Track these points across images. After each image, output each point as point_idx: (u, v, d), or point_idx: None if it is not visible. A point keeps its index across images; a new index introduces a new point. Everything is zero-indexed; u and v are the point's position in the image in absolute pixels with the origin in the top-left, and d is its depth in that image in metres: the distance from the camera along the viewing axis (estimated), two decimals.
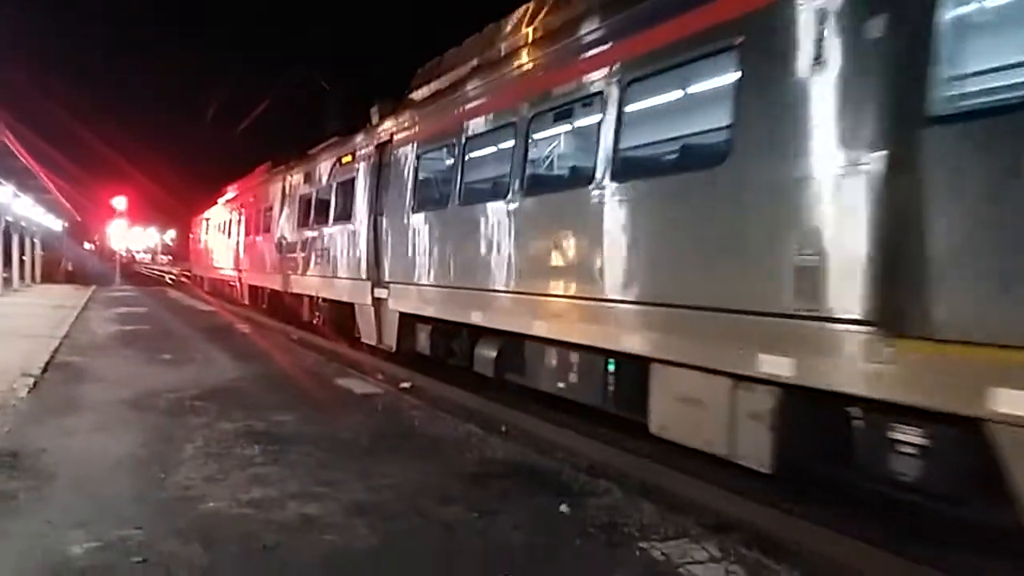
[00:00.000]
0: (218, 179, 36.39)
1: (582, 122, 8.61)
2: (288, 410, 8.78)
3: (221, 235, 30.57)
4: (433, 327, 11.13)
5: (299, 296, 18.25)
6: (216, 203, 33.09)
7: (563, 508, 5.59)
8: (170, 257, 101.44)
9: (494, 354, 9.42)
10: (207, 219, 35.46)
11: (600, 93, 7.38)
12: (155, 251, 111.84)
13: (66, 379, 10.69)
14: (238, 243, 26.37)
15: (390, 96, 13.94)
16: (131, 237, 76.06)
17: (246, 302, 25.10)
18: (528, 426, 8.64)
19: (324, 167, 16.52)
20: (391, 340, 12.30)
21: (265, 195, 22.32)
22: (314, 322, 17.40)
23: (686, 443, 6.33)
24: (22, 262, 37.59)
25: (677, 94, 7.42)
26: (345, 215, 14.61)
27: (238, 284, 26.46)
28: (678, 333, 6.26)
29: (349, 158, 14.76)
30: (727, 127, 5.92)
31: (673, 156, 7.26)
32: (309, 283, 17.10)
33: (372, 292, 12.95)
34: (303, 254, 17.53)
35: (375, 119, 14.04)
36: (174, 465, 6.50)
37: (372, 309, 13.03)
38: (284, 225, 19.52)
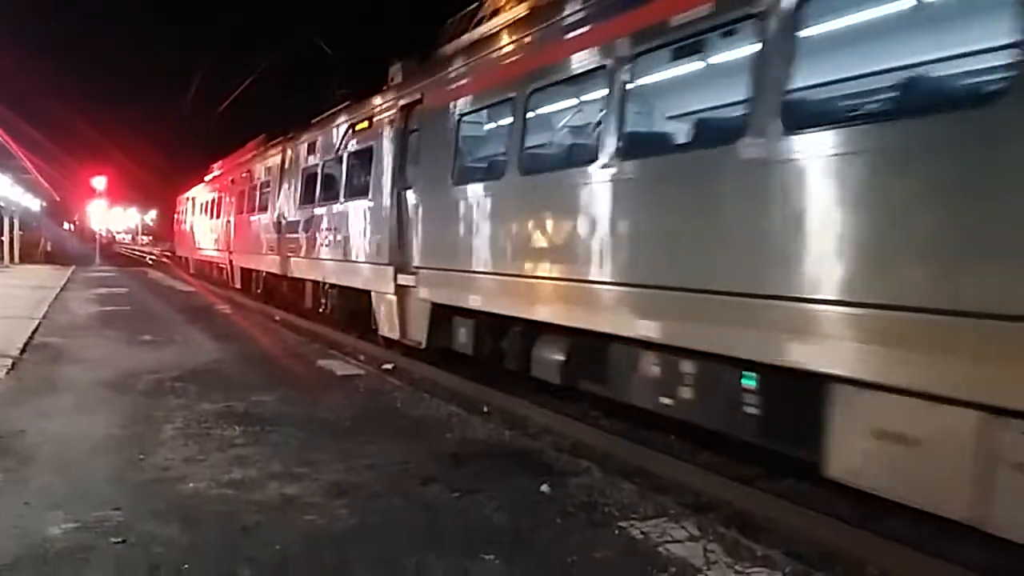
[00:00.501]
0: (201, 158, 35.79)
1: (736, 53, 6.17)
2: (269, 391, 8.76)
3: (208, 214, 29.01)
4: (478, 321, 9.35)
5: (301, 281, 16.65)
6: (203, 181, 31.90)
7: (544, 488, 5.61)
8: (151, 237, 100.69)
9: (562, 357, 7.85)
10: (192, 198, 33.93)
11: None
12: (135, 232, 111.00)
13: (45, 360, 10.60)
14: (228, 222, 24.69)
15: (412, 54, 12.27)
16: (111, 217, 75.46)
17: (237, 286, 23.62)
18: (510, 406, 8.66)
19: (333, 136, 14.55)
20: (419, 335, 10.59)
21: (260, 170, 20.69)
22: (320, 311, 15.62)
23: (897, 497, 4.65)
24: (0, 242, 37.20)
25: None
26: (360, 190, 12.83)
27: (228, 266, 24.93)
28: (889, 345, 4.52)
29: (365, 124, 12.90)
30: None
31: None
32: (315, 267, 15.32)
33: (395, 279, 11.19)
34: (307, 234, 15.74)
35: (397, 78, 12.38)
36: (153, 446, 6.47)
37: (394, 298, 11.25)
38: (284, 203, 17.74)
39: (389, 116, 11.87)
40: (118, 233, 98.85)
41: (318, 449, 6.49)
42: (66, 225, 68.50)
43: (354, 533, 4.75)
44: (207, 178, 30.99)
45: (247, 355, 11.57)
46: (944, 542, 4.90)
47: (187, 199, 35.74)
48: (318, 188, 15.31)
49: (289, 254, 17.03)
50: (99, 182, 46.32)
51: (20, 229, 43.71)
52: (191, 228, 34.14)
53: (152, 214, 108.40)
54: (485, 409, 8.56)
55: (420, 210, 10.63)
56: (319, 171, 15.36)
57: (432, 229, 10.34)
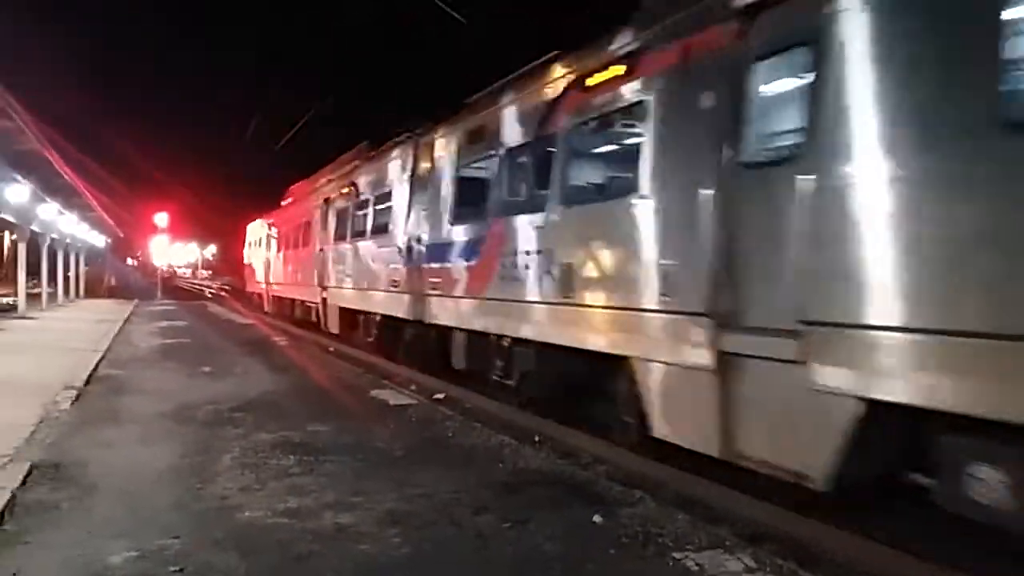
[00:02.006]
0: (262, 192, 36.68)
1: None
2: (323, 421, 8.87)
3: (289, 244, 25.21)
4: None
5: (448, 331, 11.88)
6: (279, 206, 28.93)
7: (596, 518, 5.57)
8: (210, 272, 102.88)
9: None
10: (268, 225, 29.90)
11: None
12: (196, 266, 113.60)
13: (108, 392, 10.90)
14: (320, 252, 19.96)
15: None
16: (172, 252, 77.38)
17: (332, 329, 18.92)
18: (562, 436, 8.61)
19: (529, 111, 9.62)
20: (815, 463, 5.34)
21: (368, 183, 16.24)
22: (501, 379, 10.31)
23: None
24: (67, 278, 38.40)
25: None
26: (625, 185, 7.68)
27: (319, 306, 20.12)
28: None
29: (619, 70, 7.62)
30: None
31: None
32: (486, 313, 10.32)
33: (713, 341, 6.17)
34: (471, 263, 10.84)
35: None
36: (212, 475, 6.60)
37: (711, 378, 6.19)
38: (417, 221, 13.03)
39: (687, 64, 6.71)
40: (179, 268, 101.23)
41: (371, 478, 6.55)
42: (129, 260, 70.46)
43: (407, 562, 4.77)
44: (285, 203, 28.09)
45: (302, 386, 11.74)
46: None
47: (259, 228, 32.06)
48: (497, 193, 10.34)
49: (429, 291, 12.24)
50: (161, 218, 47.73)
51: (85, 264, 45.11)
52: (266, 261, 30.12)
53: (212, 248, 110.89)
54: (536, 439, 8.53)
55: (832, 198, 5.13)
56: (499, 168, 10.31)
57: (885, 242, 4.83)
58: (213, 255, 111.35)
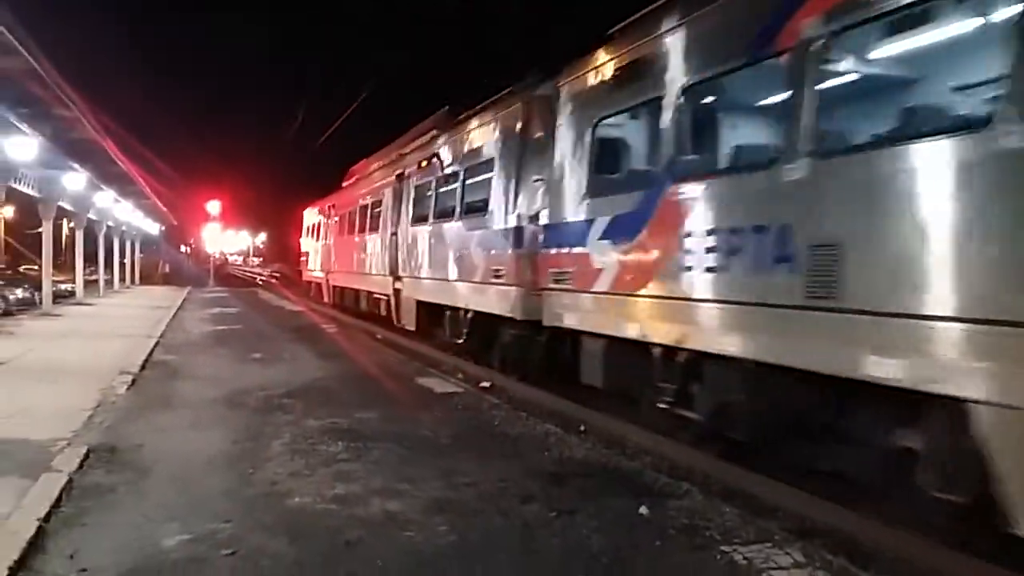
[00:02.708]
0: (314, 179, 36.65)
1: None
2: (370, 408, 8.96)
3: (352, 228, 22.39)
4: None
5: (586, 340, 9.21)
6: (341, 187, 26.10)
7: (643, 510, 5.54)
8: (261, 259, 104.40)
9: None
10: (329, 208, 26.92)
11: None
12: (247, 254, 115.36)
13: (162, 377, 11.13)
14: (394, 238, 17.24)
15: None
16: (224, 240, 78.66)
17: (409, 327, 16.23)
18: (607, 426, 8.58)
19: (723, 28, 7.01)
20: None
21: (456, 154, 13.68)
22: (714, 425, 7.32)
23: None
24: (122, 264, 39.30)
25: None
26: (972, 113, 5.32)
27: (391, 299, 17.45)
28: None
29: None
30: None
31: None
32: (670, 317, 7.46)
33: None
34: (623, 248, 8.15)
35: None
36: (262, 461, 6.71)
37: None
38: (532, 197, 10.42)
39: None
40: (230, 255, 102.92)
41: (418, 466, 6.59)
42: (182, 248, 71.83)
43: (453, 550, 4.79)
44: (347, 183, 25.32)
45: (350, 373, 11.86)
46: None
47: (318, 212, 29.18)
48: (672, 151, 7.46)
49: (551, 284, 9.70)
50: (213, 206, 48.57)
51: (140, 252, 46.11)
52: (325, 248, 27.29)
53: (262, 237, 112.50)
54: (582, 428, 8.51)
55: None
56: (674, 114, 7.42)
57: None
58: (263, 243, 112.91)
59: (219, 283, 46.50)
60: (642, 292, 7.82)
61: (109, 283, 34.22)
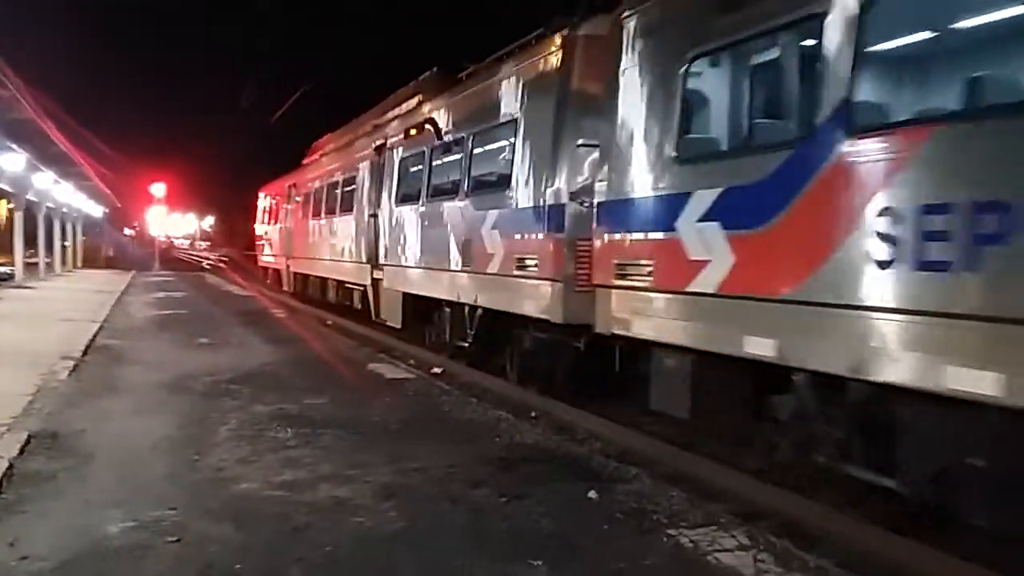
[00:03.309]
0: (263, 164, 35.83)
1: None
2: (320, 394, 8.89)
3: (317, 210, 20.27)
4: None
5: (661, 355, 7.20)
6: (302, 165, 24.06)
7: (591, 494, 5.59)
8: (209, 243, 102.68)
9: None
10: (289, 188, 24.28)
11: None
12: (194, 237, 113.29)
13: (105, 362, 10.91)
14: (374, 220, 14.95)
15: None
16: (170, 223, 77.11)
17: (392, 323, 14.06)
18: (558, 412, 8.64)
19: None
20: None
21: (459, 119, 11.52)
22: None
23: None
24: (64, 247, 38.32)
25: None
26: None
27: (368, 291, 15.46)
28: None
29: None
30: None
31: None
32: (849, 332, 5.08)
33: None
34: (743, 233, 6.04)
35: None
36: (208, 447, 6.62)
37: None
38: (577, 168, 8.61)
39: None
40: (176, 239, 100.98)
41: (368, 452, 6.56)
42: (126, 231, 70.31)
43: (402, 536, 4.78)
44: (309, 160, 23.27)
45: (299, 358, 11.74)
46: (1003, 555, 4.76)
47: (277, 193, 26.68)
48: (834, 92, 5.26)
49: (612, 281, 7.59)
50: (158, 188, 47.47)
51: (83, 235, 45.02)
52: (285, 231, 24.92)
53: (210, 220, 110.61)
54: (533, 415, 8.55)
55: None
56: (847, 36, 5.15)
57: None
58: (211, 226, 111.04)
59: (165, 267, 45.60)
60: (786, 295, 5.53)
61: (50, 266, 33.33)
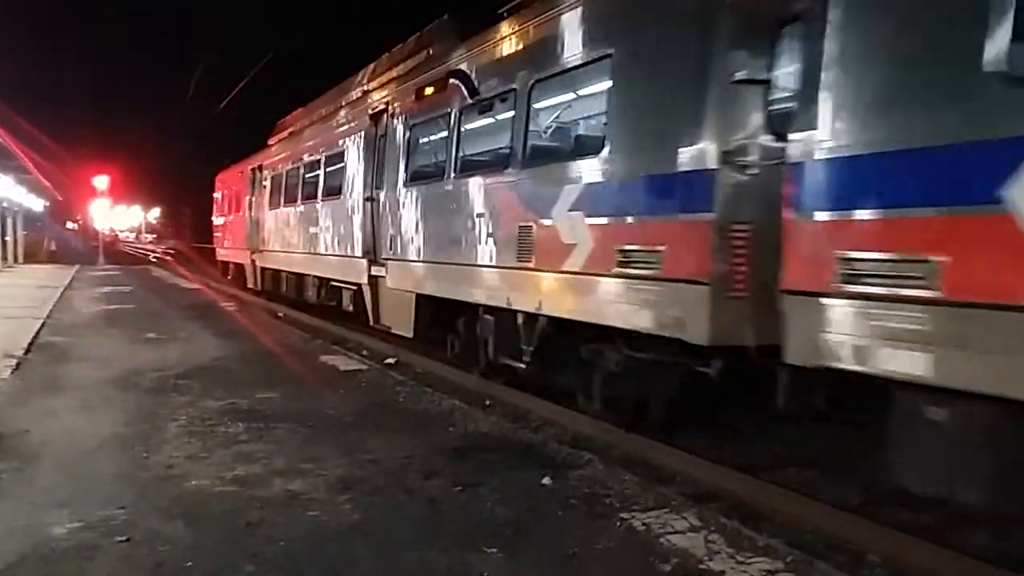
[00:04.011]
0: (212, 152, 34.78)
1: None
2: (272, 388, 8.79)
3: (292, 195, 17.56)
4: None
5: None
6: (268, 146, 21.35)
7: (545, 480, 5.64)
8: (155, 236, 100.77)
9: None
10: (255, 171, 21.34)
11: None
12: (139, 230, 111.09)
13: (49, 359, 10.65)
14: (370, 205, 12.28)
15: None
16: (114, 216, 75.49)
17: (400, 330, 11.48)
18: (512, 400, 8.67)
19: None
20: None
21: (500, 70, 8.84)
22: None
23: None
24: (4, 242, 37.28)
25: None
26: None
27: (365, 291, 12.72)
28: None
29: None
30: None
31: None
32: None
33: None
34: None
35: None
36: (158, 444, 6.51)
37: None
38: (743, 108, 5.79)
39: None
40: (121, 232, 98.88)
41: (321, 445, 6.53)
42: (69, 225, 68.62)
43: (358, 528, 4.77)
44: (276, 139, 20.77)
45: (250, 352, 11.60)
46: (946, 528, 4.92)
47: (240, 177, 23.37)
48: None
49: (840, 285, 4.74)
50: (101, 181, 46.40)
51: (24, 229, 43.83)
52: (248, 221, 21.84)
53: (155, 212, 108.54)
54: (487, 403, 8.58)
55: None
56: None
57: None
58: (157, 219, 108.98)
59: (110, 261, 44.62)
60: None
61: None
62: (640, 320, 6.36)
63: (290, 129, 19.73)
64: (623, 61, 6.76)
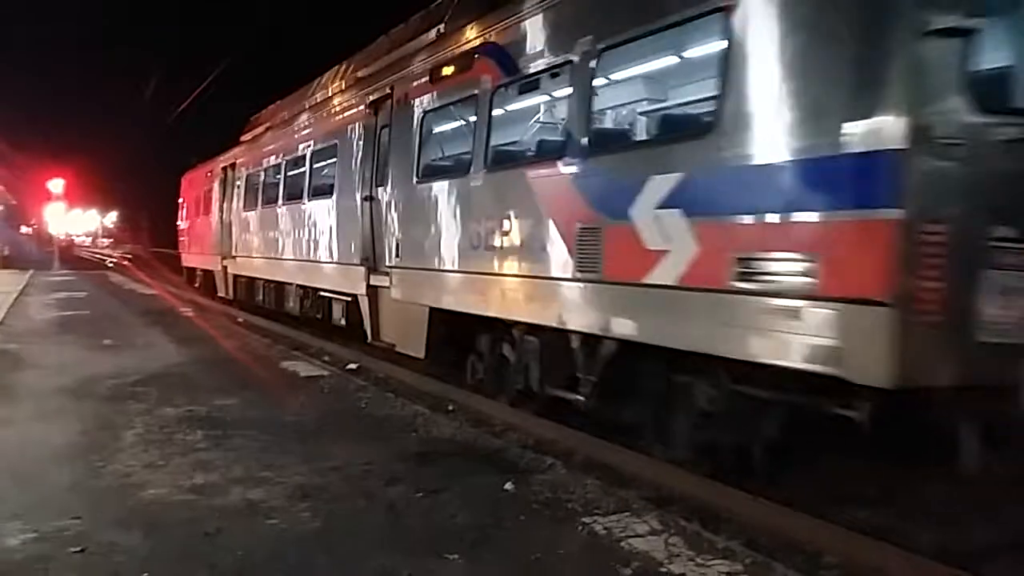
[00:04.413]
0: (171, 155, 34.09)
1: None
2: (232, 394, 8.69)
3: (270, 195, 16.38)
4: None
5: None
6: (240, 142, 20.00)
7: (508, 486, 5.64)
8: (112, 240, 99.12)
9: None
10: (227, 169, 20.00)
11: None
12: (95, 234, 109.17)
13: (2, 367, 10.42)
14: (370, 204, 11.14)
15: None
16: (70, 220, 74.12)
17: (412, 351, 10.16)
18: (475, 404, 8.67)
19: None
20: None
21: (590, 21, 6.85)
22: None
23: None
24: None
25: None
26: None
27: (361, 303, 11.54)
28: None
29: None
30: None
31: None
32: None
33: None
34: None
35: None
36: (113, 453, 6.40)
37: None
38: None
39: None
40: (77, 236, 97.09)
41: (281, 452, 6.46)
42: (24, 229, 67.25)
43: (318, 536, 4.74)
44: (250, 135, 19.39)
45: (210, 358, 11.45)
46: (900, 530, 5.02)
47: (210, 177, 21.92)
48: None
49: None
50: (56, 185, 45.52)
51: None
52: (219, 224, 20.39)
53: (112, 216, 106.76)
54: (450, 408, 8.56)
55: None
56: None
57: None
58: (114, 223, 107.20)
59: (65, 266, 43.77)
60: None
61: None
62: (767, 350, 5.01)
63: (266, 124, 18.25)
64: (752, 10, 5.27)
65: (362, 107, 11.70)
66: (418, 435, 7.19)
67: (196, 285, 24.35)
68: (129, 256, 54.44)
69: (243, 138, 19.81)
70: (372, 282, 11.05)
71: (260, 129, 18.69)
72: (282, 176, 15.46)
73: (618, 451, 6.82)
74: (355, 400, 8.65)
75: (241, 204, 18.49)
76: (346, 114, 12.55)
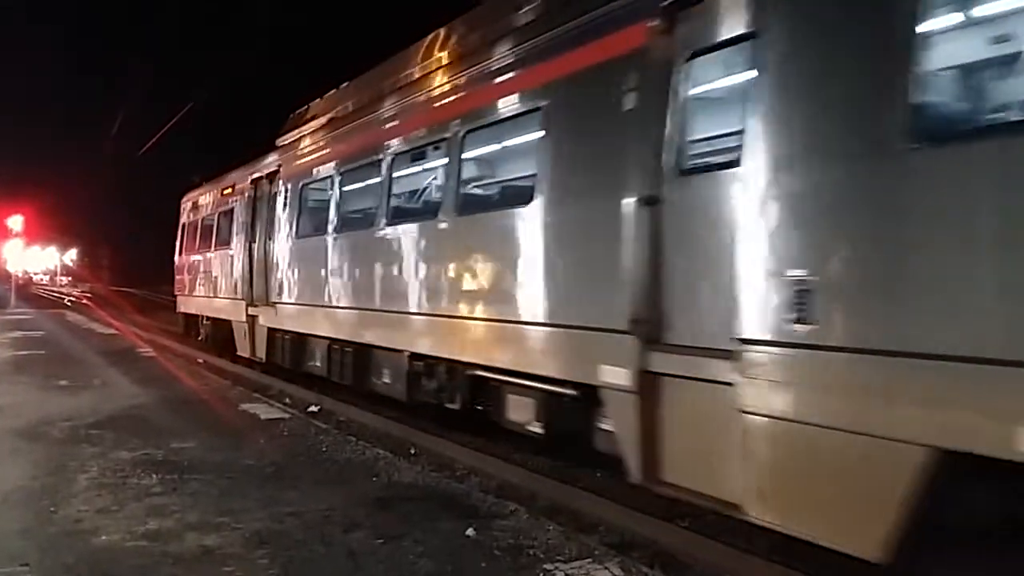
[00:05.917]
0: (135, 193, 33.73)
1: None
2: (189, 437, 8.53)
3: (311, 222, 12.57)
4: None
5: None
6: (287, 142, 13.85)
7: (469, 532, 5.58)
8: (70, 278, 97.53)
9: None
10: (260, 181, 15.04)
11: None
12: (54, 272, 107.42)
13: None
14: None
15: None
16: (29, 258, 72.89)
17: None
18: (438, 448, 8.61)
19: None
20: None
21: None
22: None
23: None
24: None
25: None
26: None
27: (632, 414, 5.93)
28: None
29: None
30: None
31: None
32: None
33: None
34: None
35: None
36: (66, 497, 6.25)
37: None
38: None
39: None
40: (35, 274, 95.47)
41: (239, 497, 6.35)
42: None
43: None
44: (291, 137, 13.80)
45: (168, 399, 11.24)
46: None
47: (221, 198, 17.83)
48: None
49: None
50: (15, 222, 44.82)
51: None
52: (249, 258, 15.34)
53: (72, 253, 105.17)
54: (412, 451, 8.49)
55: None
56: None
57: None
58: (73, 260, 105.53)
59: (22, 303, 42.97)
60: None
61: None
62: None
63: (331, 113, 12.52)
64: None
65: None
66: (379, 479, 7.11)
67: (201, 339, 19.60)
68: (89, 294, 53.50)
69: (281, 140, 14.39)
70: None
71: (321, 120, 12.86)
72: (387, 181, 10.07)
73: (581, 495, 6.81)
74: (315, 443, 8.53)
75: (289, 228, 13.29)
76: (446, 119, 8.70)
